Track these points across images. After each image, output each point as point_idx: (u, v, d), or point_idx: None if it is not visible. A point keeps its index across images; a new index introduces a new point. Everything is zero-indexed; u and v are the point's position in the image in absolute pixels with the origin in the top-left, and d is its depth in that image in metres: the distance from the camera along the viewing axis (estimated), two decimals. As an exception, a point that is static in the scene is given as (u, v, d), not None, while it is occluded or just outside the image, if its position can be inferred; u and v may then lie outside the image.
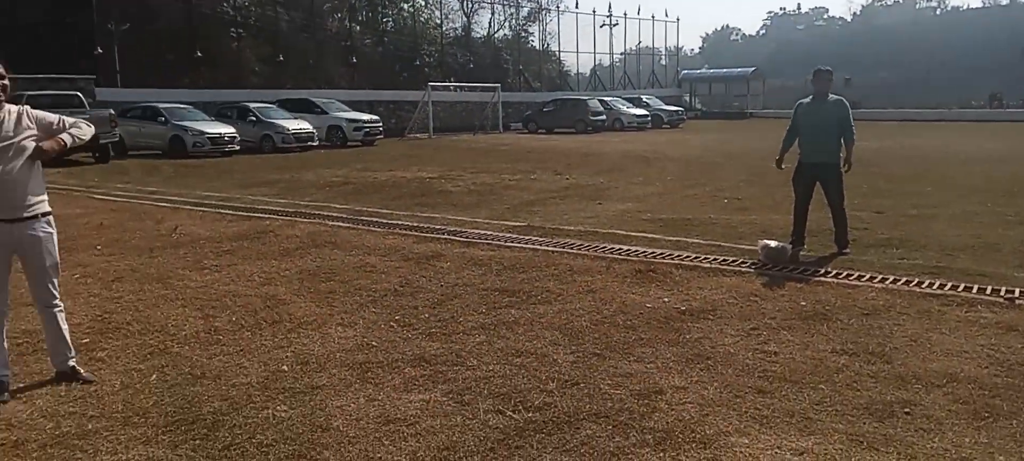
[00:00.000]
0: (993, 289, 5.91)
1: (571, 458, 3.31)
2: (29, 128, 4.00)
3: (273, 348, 4.84)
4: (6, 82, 3.92)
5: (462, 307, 5.71)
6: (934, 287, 6.07)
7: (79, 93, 21.31)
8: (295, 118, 25.08)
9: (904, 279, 6.33)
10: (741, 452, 3.33)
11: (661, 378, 4.24)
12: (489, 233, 8.78)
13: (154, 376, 4.36)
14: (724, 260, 7.16)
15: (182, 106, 23.73)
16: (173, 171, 17.52)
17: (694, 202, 11.13)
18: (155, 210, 11.03)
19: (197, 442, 3.52)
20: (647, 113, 38.46)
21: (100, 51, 29.35)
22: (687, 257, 7.31)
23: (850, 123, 7.44)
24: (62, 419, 3.77)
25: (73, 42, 29.41)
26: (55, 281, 4.22)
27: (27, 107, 4.09)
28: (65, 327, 4.28)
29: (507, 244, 8.09)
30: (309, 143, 24.27)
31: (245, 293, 6.17)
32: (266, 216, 10.24)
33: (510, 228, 9.13)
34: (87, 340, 5.03)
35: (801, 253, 7.37)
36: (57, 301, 4.24)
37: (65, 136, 4.06)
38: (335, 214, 10.39)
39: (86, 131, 4.18)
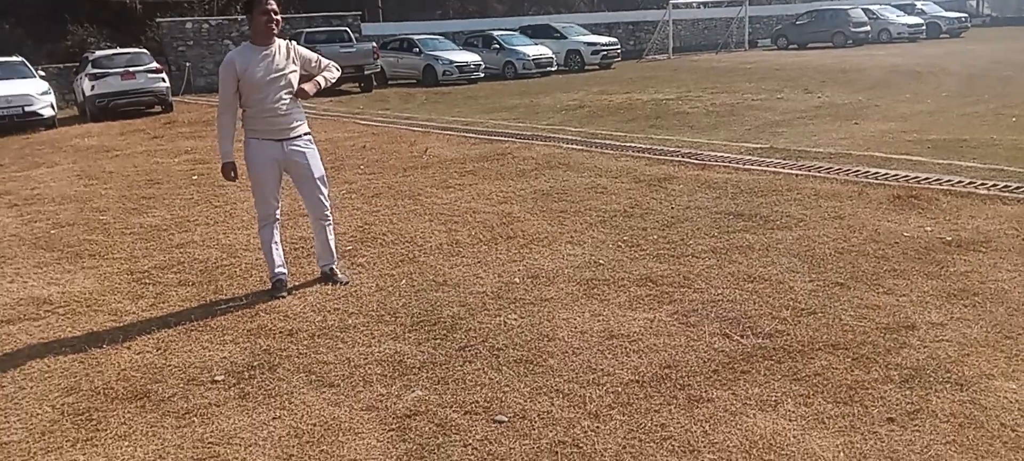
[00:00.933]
0: None
1: (801, 387, 3.13)
2: (294, 63, 4.51)
3: (507, 261, 5.10)
4: (279, 18, 4.43)
5: (692, 230, 5.56)
6: None
7: (347, 29, 23.58)
8: (535, 44, 25.63)
9: None
10: (1006, 397, 2.92)
11: (914, 313, 3.82)
12: (726, 155, 8.39)
13: (404, 281, 4.82)
14: (1006, 186, 6.19)
15: (434, 37, 25.31)
16: (425, 98, 18.85)
17: (973, 121, 9.69)
18: (409, 134, 11.99)
19: (437, 341, 3.85)
20: (921, 21, 33.76)
21: (364, -10, 31.91)
22: (959, 182, 6.42)
23: None
24: (328, 314, 4.32)
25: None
26: (324, 192, 4.76)
27: (293, 43, 4.61)
28: (331, 237, 4.85)
29: (745, 167, 7.68)
30: (548, 68, 24.73)
31: (484, 210, 6.54)
32: (505, 139, 10.68)
33: (750, 150, 8.64)
34: (350, 247, 5.67)
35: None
36: (327, 213, 4.80)
37: (320, 78, 4.63)
38: (569, 137, 10.55)
39: (334, 74, 4.75)
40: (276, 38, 4.49)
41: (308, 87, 4.56)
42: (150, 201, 7.87)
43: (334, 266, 4.91)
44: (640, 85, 18.52)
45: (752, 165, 7.75)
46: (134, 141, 13.12)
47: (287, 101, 4.48)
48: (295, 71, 4.51)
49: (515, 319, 4.06)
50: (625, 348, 3.62)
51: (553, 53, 25.36)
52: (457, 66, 22.95)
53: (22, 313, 4.64)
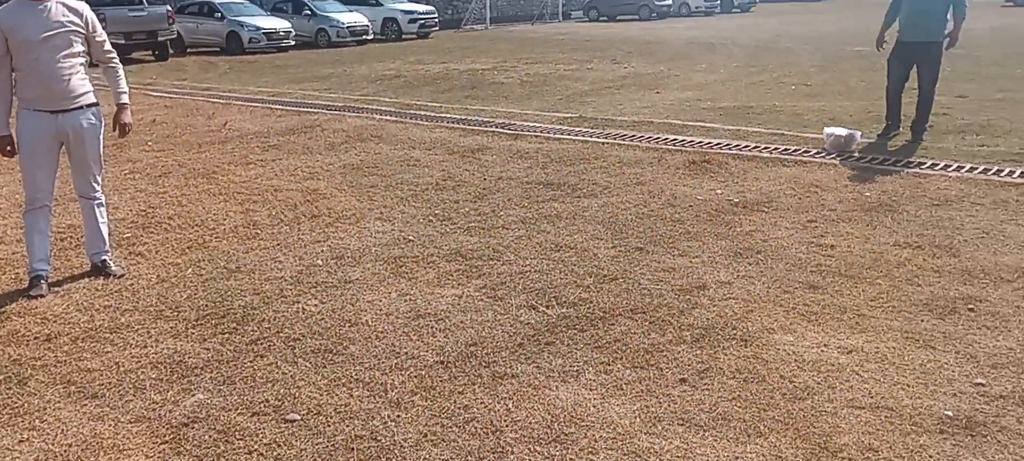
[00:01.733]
0: (1085, 177, 5.38)
1: (602, 355, 3.16)
2: (74, 21, 3.91)
3: (310, 242, 4.79)
4: None
5: (503, 201, 5.53)
6: (1015, 176, 5.56)
7: (138, -10, 21.37)
8: (350, 11, 24.70)
9: (982, 168, 5.83)
10: (784, 350, 3.11)
11: (705, 273, 4.01)
12: (538, 125, 8.49)
13: (190, 270, 4.37)
14: (786, 150, 6.73)
15: (239, 1, 23.61)
16: (229, 67, 17.56)
17: (759, 89, 10.51)
18: (208, 106, 11.07)
19: (225, 336, 3.51)
20: (715, -3, 36.50)
21: (156, -52, 29.14)
22: (746, 147, 6.90)
23: None
24: (96, 312, 3.81)
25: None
26: (97, 174, 4.19)
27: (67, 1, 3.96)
28: (103, 222, 4.28)
29: (556, 136, 7.80)
30: (364, 36, 23.96)
31: (287, 188, 6.13)
32: (315, 111, 10.15)
33: (560, 120, 8.80)
34: (129, 234, 5.08)
35: (888, 141, 6.87)
36: (97, 194, 4.23)
37: (122, 96, 4.21)
38: (384, 108, 10.23)
39: (120, 71, 4.26)
40: None
41: (125, 118, 4.16)
42: None
43: (107, 256, 4.34)
44: (457, 55, 18.42)
45: (562, 134, 7.89)
46: None
47: (67, 64, 3.89)
48: (76, 30, 3.91)
49: (315, 305, 3.80)
50: (432, 328, 3.49)
51: (369, 21, 24.59)
52: (264, 33, 21.59)
53: None
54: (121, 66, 4.25)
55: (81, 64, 4.01)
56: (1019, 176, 5.57)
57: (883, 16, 7.14)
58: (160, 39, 19.52)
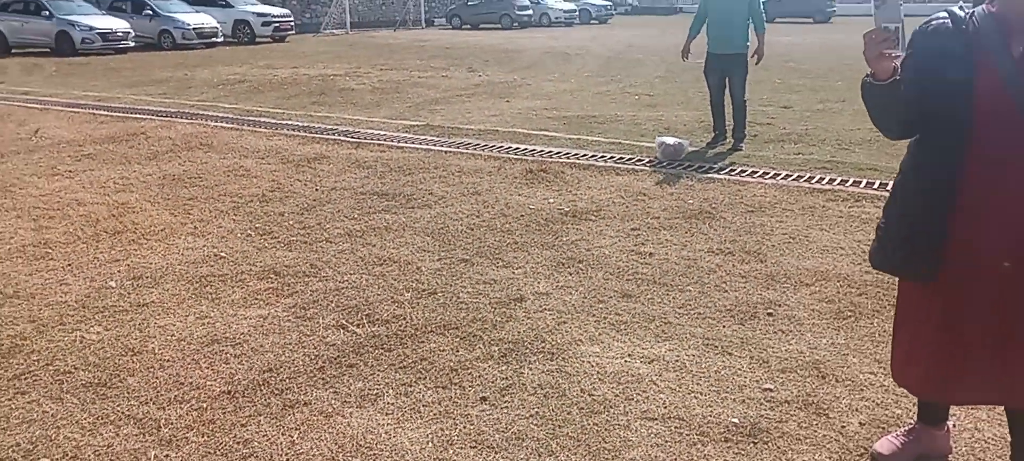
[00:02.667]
0: (881, 183, 5.81)
1: (406, 375, 3.02)
2: None
3: (106, 261, 4.36)
4: None
5: (332, 213, 5.30)
6: (824, 182, 5.95)
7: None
8: (197, 11, 23.39)
9: (796, 175, 6.20)
10: (588, 362, 3.10)
11: (525, 284, 3.97)
12: (383, 133, 8.28)
13: (-43, 297, 3.86)
14: (621, 158, 6.89)
15: (69, -1, 21.79)
16: (56, 70, 16.12)
17: (604, 99, 10.80)
18: (22, 112, 10.06)
19: (-17, 374, 3.09)
20: (575, 8, 37.47)
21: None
22: (584, 156, 7.01)
23: (760, 11, 7.13)
24: None
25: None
26: None
27: None
28: None
29: (399, 145, 7.63)
30: (213, 39, 22.76)
31: (92, 201, 5.60)
32: (144, 117, 9.44)
33: (407, 128, 8.64)
34: None
35: (719, 145, 7.21)
36: None
37: None
38: (221, 114, 9.66)
39: None
40: None
41: None
42: None
43: None
44: (310, 60, 17.82)
45: (406, 143, 7.72)
46: None
47: None
48: None
49: (97, 333, 3.43)
50: (225, 354, 3.23)
51: (219, 22, 23.39)
52: (99, 33, 20.04)
53: None
54: None
55: None
56: (828, 182, 5.95)
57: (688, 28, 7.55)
58: (-25, 38, 17.66)
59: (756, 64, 7.25)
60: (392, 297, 3.82)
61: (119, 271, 4.21)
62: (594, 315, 3.58)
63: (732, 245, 4.54)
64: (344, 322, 3.53)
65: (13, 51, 20.41)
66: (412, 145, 7.61)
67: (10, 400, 2.87)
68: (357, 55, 19.32)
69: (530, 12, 34.31)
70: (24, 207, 5.46)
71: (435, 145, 7.61)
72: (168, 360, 3.17)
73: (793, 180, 6.04)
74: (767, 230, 4.82)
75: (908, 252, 2.11)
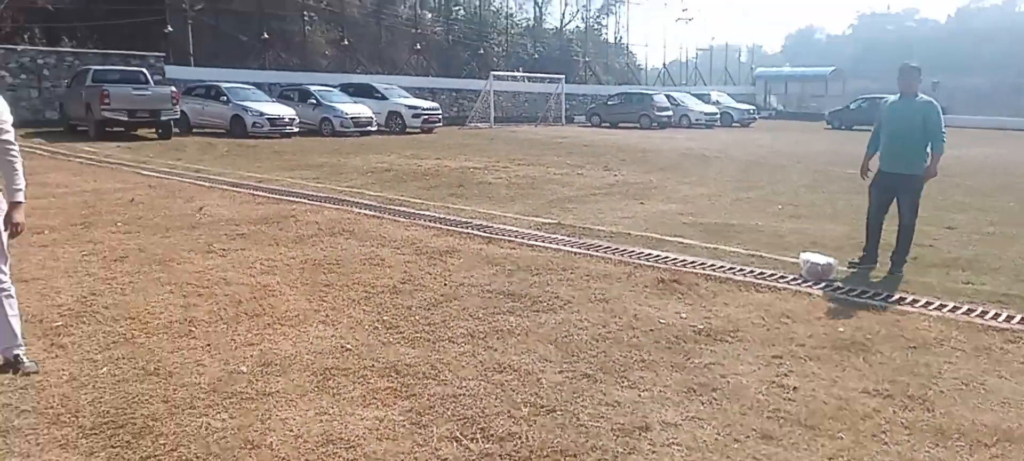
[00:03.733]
0: (1071, 326, 5.09)
1: (518, 506, 2.82)
2: None
3: (242, 345, 4.50)
4: None
5: (458, 310, 5.26)
6: (1000, 319, 5.28)
7: (145, 70, 21.79)
8: (355, 102, 25.12)
9: (966, 308, 5.56)
10: (720, 517, 2.77)
11: (652, 411, 3.69)
12: (514, 229, 8.30)
13: (106, 368, 4.08)
14: (761, 273, 6.49)
15: (245, 86, 24.05)
16: (227, 150, 17.65)
17: (744, 206, 10.38)
18: (191, 188, 10.98)
19: (115, 450, 3.19)
20: (716, 110, 37.11)
21: (170, 29, 30.01)
22: (721, 267, 6.66)
23: (940, 128, 6.45)
24: (-13, 413, 3.51)
25: (149, 20, 30.24)
26: (5, 265, 3.96)
27: None
28: (14, 315, 4.01)
29: (529, 242, 7.60)
30: (368, 128, 24.24)
31: (238, 281, 5.88)
32: (297, 200, 10.03)
33: (538, 225, 8.63)
34: (60, 323, 4.81)
35: (870, 272, 6.61)
36: (5, 284, 3.97)
37: (20, 196, 3.95)
38: (365, 202, 10.09)
39: (18, 166, 3.94)
40: None
41: (18, 216, 3.91)
42: None
43: (20, 351, 4.04)
44: (453, 152, 18.51)
45: (536, 241, 7.68)
46: None
47: None
48: None
49: (222, 421, 3.48)
50: (338, 456, 3.16)
51: (374, 113, 24.96)
52: (268, 119, 21.85)
53: None
54: (21, 162, 3.98)
55: None
56: (1004, 320, 5.29)
57: (867, 144, 7.04)
58: (163, 118, 19.76)
59: (926, 180, 6.65)
60: (509, 411, 3.65)
61: (251, 356, 4.32)
62: (728, 457, 3.25)
63: (891, 387, 4.05)
64: (458, 434, 3.40)
65: (194, 131, 22.61)
66: (542, 244, 7.56)
67: (133, 483, 2.92)
68: (497, 149, 19.89)
69: (669, 113, 34.28)
70: (178, 282, 5.82)
71: (565, 245, 7.51)
72: (283, 457, 3.15)
73: (962, 314, 5.41)
74: (933, 372, 4.29)
75: None
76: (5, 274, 3.97)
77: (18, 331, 4.03)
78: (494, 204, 10.18)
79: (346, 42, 37.07)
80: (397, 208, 9.61)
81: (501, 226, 8.49)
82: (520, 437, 3.38)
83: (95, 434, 3.33)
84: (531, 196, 11.00)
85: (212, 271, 6.19)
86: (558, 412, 3.65)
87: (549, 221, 8.89)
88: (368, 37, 39.72)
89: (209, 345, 4.49)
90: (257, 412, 3.59)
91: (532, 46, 48.03)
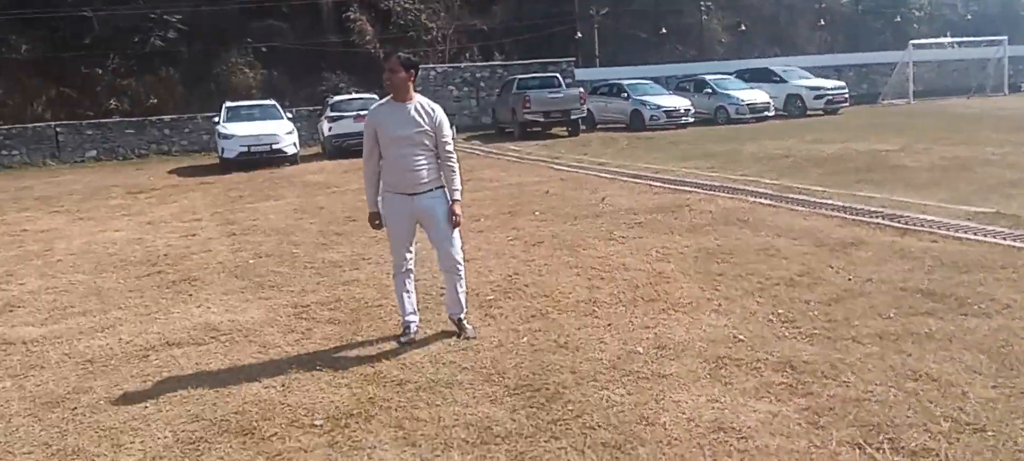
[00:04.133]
0: None
1: (931, 528, 2.53)
2: (425, 122, 4.51)
3: (639, 327, 4.78)
4: (395, 78, 4.47)
5: (864, 308, 4.85)
6: None
7: (558, 75, 24.17)
8: (751, 88, 24.51)
9: None
10: None
11: None
12: (937, 219, 7.29)
13: (526, 339, 4.69)
14: None
15: (644, 81, 25.14)
16: (626, 143, 18.68)
17: None
18: (595, 180, 11.90)
19: (532, 410, 3.67)
20: None
21: (579, 35, 32.70)
22: None
23: None
24: (442, 366, 4.31)
25: (561, 29, 33.52)
26: (455, 244, 4.71)
27: (434, 106, 4.60)
28: (461, 288, 4.77)
29: (956, 234, 6.61)
30: (764, 114, 23.47)
31: (636, 267, 6.23)
32: (691, 189, 10.21)
33: (969, 215, 7.44)
34: (492, 297, 5.66)
35: None
36: (458, 266, 4.72)
37: (458, 195, 4.68)
38: (761, 190, 9.82)
39: (456, 169, 4.68)
40: (416, 95, 4.58)
41: (456, 210, 4.66)
42: (340, 238, 8.48)
43: (463, 318, 4.88)
44: (862, 133, 16.88)
45: (966, 233, 6.64)
46: (353, 179, 14.30)
47: (418, 157, 4.53)
48: (425, 130, 4.51)
49: (620, 395, 3.76)
50: (729, 446, 3.19)
51: (770, 98, 24.06)
52: (664, 111, 22.55)
53: (190, 337, 5.17)
54: (458, 165, 4.70)
55: (430, 156, 4.58)
56: None
57: None
58: (572, 117, 21.72)
59: None
60: (925, 423, 3.26)
61: (647, 338, 4.57)
62: None
63: None
64: (861, 441, 3.16)
65: (598, 127, 24.40)
66: (974, 236, 6.51)
67: (545, 443, 3.34)
68: (916, 127, 17.60)
69: None
70: (584, 266, 6.40)
71: (1005, 239, 6.36)
72: (676, 438, 3.29)
73: None
74: None
75: None
76: (458, 258, 4.72)
77: (463, 301, 4.86)
78: (911, 191, 9.06)
79: (742, 27, 36.31)
80: (795, 196, 9.15)
81: (919, 216, 7.53)
82: (938, 454, 3.00)
83: (516, 394, 3.88)
84: (960, 181, 9.52)
85: (613, 257, 6.67)
86: (989, 432, 3.15)
87: (985, 210, 7.60)
88: (766, 19, 38.37)
89: (610, 324, 4.87)
90: (652, 391, 3.79)
91: (963, 5, 41.20)
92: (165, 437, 3.63)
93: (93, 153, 24.70)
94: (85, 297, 6.45)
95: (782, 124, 21.84)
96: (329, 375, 4.30)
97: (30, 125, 25.09)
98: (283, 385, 4.20)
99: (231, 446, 3.50)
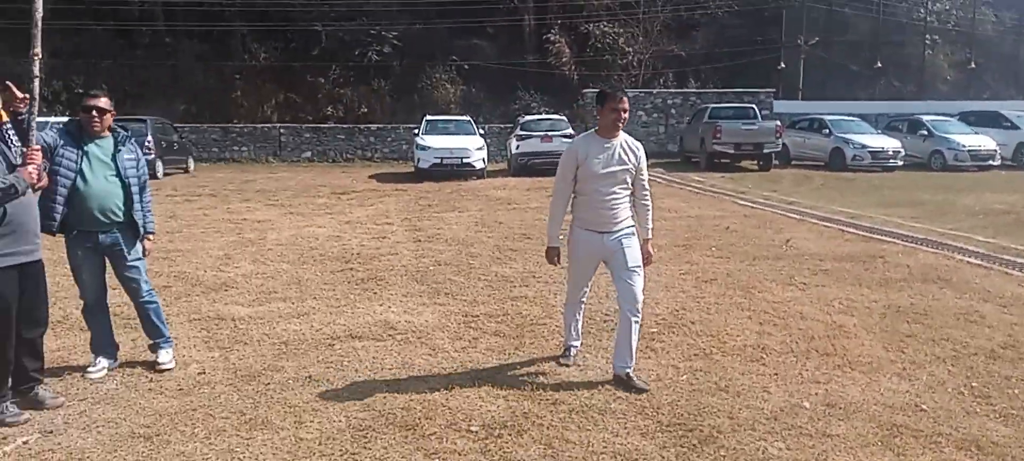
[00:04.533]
0: None
1: None
2: (629, 161, 4.45)
3: (809, 380, 4.54)
4: (626, 116, 4.41)
5: (1081, 394, 4.27)
6: None
7: (754, 106, 23.27)
8: (975, 133, 22.11)
9: None
10: None
11: None
12: None
13: (685, 377, 4.62)
14: None
15: (849, 118, 23.52)
16: (822, 183, 17.61)
17: None
18: (782, 220, 11.36)
19: (683, 450, 3.63)
20: None
21: (783, 66, 31.28)
22: None
23: None
24: (597, 392, 4.35)
25: (764, 59, 32.22)
26: (639, 284, 4.44)
27: (637, 144, 4.55)
28: (635, 335, 4.47)
29: None
30: (989, 162, 21.09)
31: (814, 317, 5.90)
32: (888, 240, 9.45)
33: None
34: (655, 330, 5.62)
35: None
36: (637, 308, 4.44)
37: (650, 233, 4.64)
38: (971, 248, 8.88)
39: (649, 209, 4.64)
40: (620, 132, 4.49)
41: (648, 249, 4.60)
42: (514, 253, 8.79)
43: (630, 370, 4.45)
44: (1111, 193, 14.69)
45: None
46: (535, 196, 14.71)
47: (617, 196, 4.47)
48: (628, 169, 4.47)
49: (778, 449, 3.61)
50: (892, 521, 2.97)
51: (997, 145, 21.56)
52: (869, 151, 20.96)
53: (371, 332, 5.61)
54: (652, 204, 4.65)
55: (627, 196, 4.53)
56: None
57: None
58: (765, 151, 20.83)
59: None
60: None
61: (816, 393, 4.33)
62: None
63: None
64: (1054, 543, 2.81)
65: (793, 163, 23.17)
66: None
67: (692, 483, 3.29)
68: None
69: None
70: (756, 310, 6.16)
71: None
72: (831, 503, 3.11)
73: None
74: None
75: None
76: (639, 299, 4.43)
77: (634, 353, 4.49)
78: None
79: (972, 65, 32.88)
80: (1011, 258, 8.18)
81: None
82: None
83: (668, 431, 3.84)
84: None
85: (790, 303, 6.36)
86: None
87: None
88: (1000, 57, 34.45)
89: (776, 374, 4.67)
90: (814, 450, 3.61)
91: None
92: (339, 421, 3.99)
93: (308, 154, 27.48)
94: (287, 285, 7.21)
95: (1008, 176, 19.51)
96: (489, 385, 4.49)
97: (259, 125, 28.39)
98: (446, 388, 4.46)
99: (395, 438, 3.79)
